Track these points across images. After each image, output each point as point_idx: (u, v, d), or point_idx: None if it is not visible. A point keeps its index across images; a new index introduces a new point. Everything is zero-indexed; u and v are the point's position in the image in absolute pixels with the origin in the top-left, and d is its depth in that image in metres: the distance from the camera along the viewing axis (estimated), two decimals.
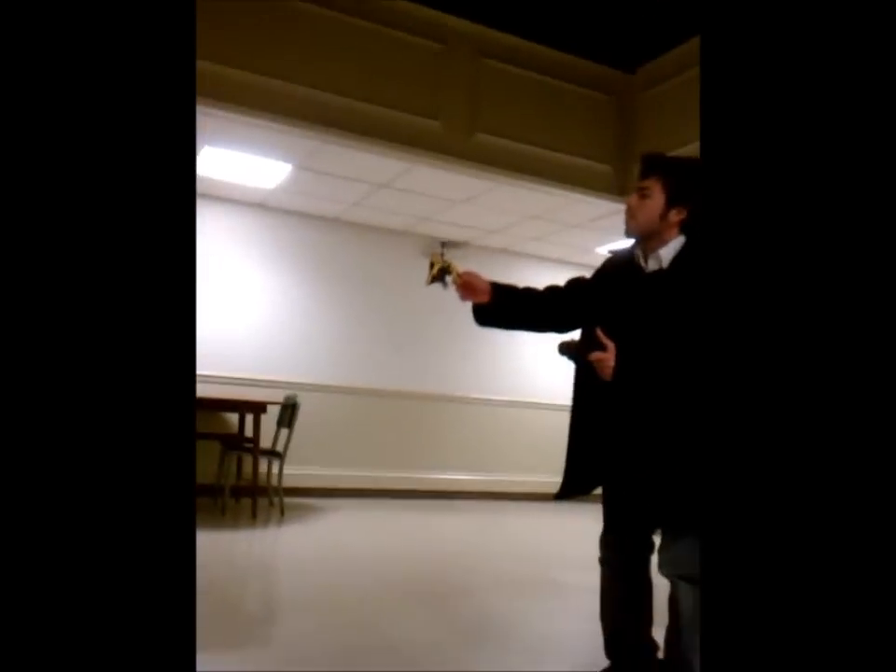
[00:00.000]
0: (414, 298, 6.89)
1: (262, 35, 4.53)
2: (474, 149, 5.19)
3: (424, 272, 2.34)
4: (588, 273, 2.30)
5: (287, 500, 5.61)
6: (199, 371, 5.80)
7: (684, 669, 1.95)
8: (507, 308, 2.23)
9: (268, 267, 6.54)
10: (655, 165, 2.04)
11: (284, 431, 5.54)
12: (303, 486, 6.25)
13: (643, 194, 2.03)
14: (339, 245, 6.80)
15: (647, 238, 2.05)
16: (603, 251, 6.78)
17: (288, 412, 5.54)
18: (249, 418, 5.54)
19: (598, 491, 2.22)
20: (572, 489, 2.18)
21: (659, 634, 2.18)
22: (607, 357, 1.95)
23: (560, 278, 2.34)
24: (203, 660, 1.23)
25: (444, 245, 7.07)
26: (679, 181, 1.98)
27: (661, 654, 2.18)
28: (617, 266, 2.19)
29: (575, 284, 2.27)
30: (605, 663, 2.22)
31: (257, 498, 5.23)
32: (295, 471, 5.95)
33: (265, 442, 5.48)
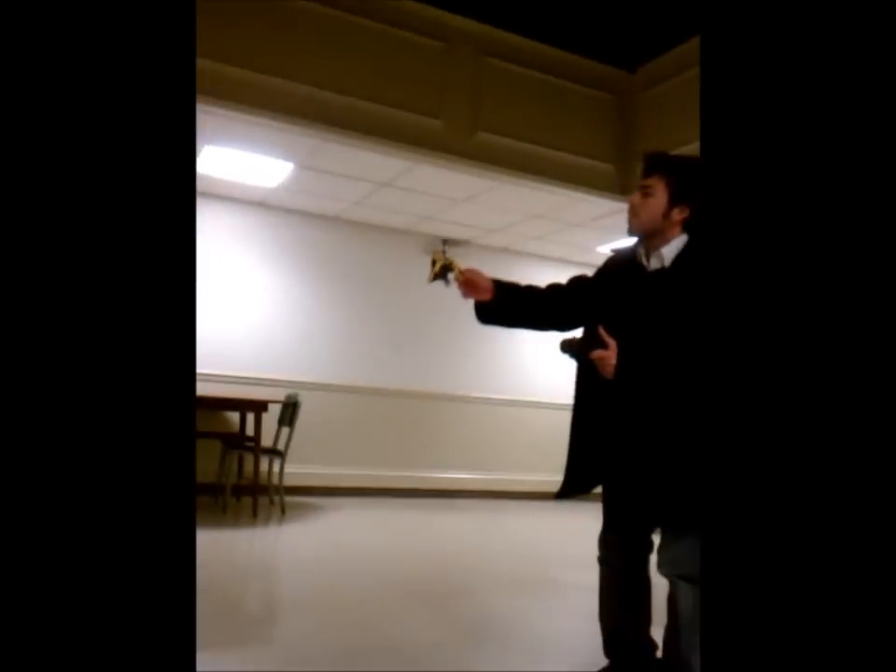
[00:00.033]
0: (416, 297, 6.89)
1: (264, 34, 4.53)
2: (476, 148, 5.19)
3: (425, 271, 2.33)
4: (590, 272, 2.30)
5: (288, 499, 5.62)
6: (200, 370, 5.80)
7: (683, 669, 1.95)
8: (509, 306, 2.22)
9: (269, 266, 6.54)
10: (658, 164, 2.04)
11: (285, 430, 5.55)
12: (304, 485, 6.26)
13: (646, 193, 2.03)
14: (340, 244, 6.80)
15: (649, 236, 2.05)
16: (604, 250, 6.77)
17: (290, 410, 5.54)
18: (250, 417, 5.54)
19: (598, 490, 2.22)
20: (573, 488, 2.18)
21: (658, 633, 2.18)
22: (608, 356, 1.95)
23: (561, 277, 2.33)
24: (203, 659, 1.23)
25: (446, 242, 7.07)
26: (682, 180, 1.98)
27: (660, 654, 2.18)
28: (619, 265, 2.19)
29: (577, 282, 2.27)
30: (604, 662, 2.22)
31: (258, 497, 5.24)
32: (296, 470, 5.96)
33: (266, 441, 5.49)
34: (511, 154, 5.28)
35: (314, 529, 5.04)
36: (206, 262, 6.16)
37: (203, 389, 5.46)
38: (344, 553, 4.28)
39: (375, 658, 2.47)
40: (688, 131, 4.50)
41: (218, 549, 4.17)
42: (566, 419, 2.26)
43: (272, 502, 5.62)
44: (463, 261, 2.25)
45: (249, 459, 5.47)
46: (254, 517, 5.13)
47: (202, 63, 4.23)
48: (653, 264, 2.05)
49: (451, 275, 2.22)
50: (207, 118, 4.50)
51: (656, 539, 2.09)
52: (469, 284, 2.18)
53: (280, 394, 5.87)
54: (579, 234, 6.76)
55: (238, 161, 5.38)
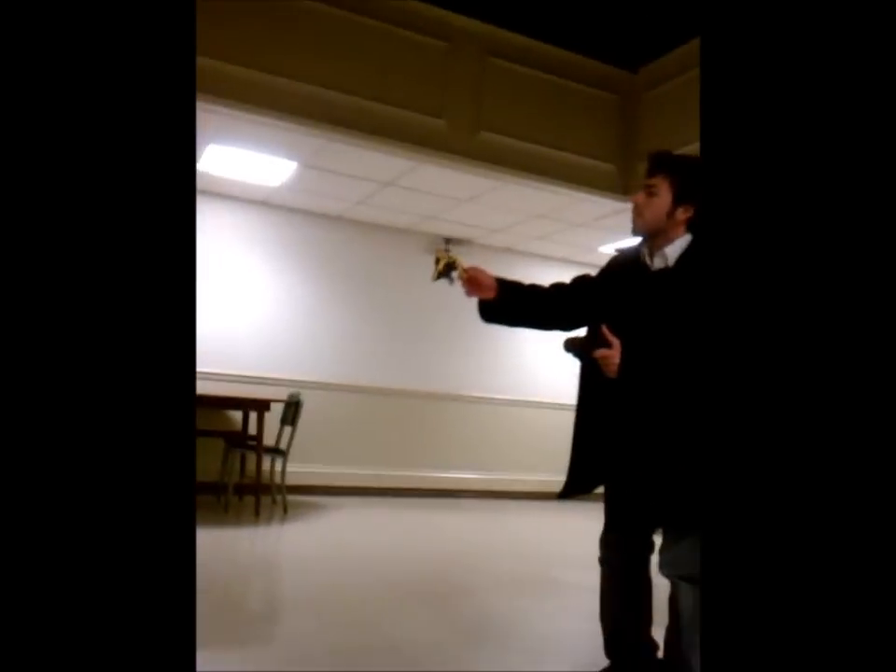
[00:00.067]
0: (418, 297, 6.89)
1: (268, 33, 4.53)
2: (479, 148, 5.19)
3: (427, 270, 2.33)
4: (592, 272, 2.30)
5: (290, 498, 5.62)
6: (203, 369, 5.83)
7: (684, 669, 1.95)
8: (513, 305, 2.22)
9: (272, 265, 6.55)
10: (662, 163, 2.04)
11: (287, 429, 5.55)
12: (306, 484, 6.27)
13: (650, 192, 2.03)
14: (343, 244, 6.80)
15: (653, 236, 2.05)
16: (607, 250, 6.77)
17: (292, 409, 5.55)
18: (253, 416, 5.54)
19: (601, 490, 2.22)
20: (576, 487, 2.17)
21: (659, 634, 2.18)
22: (612, 355, 1.95)
23: (564, 277, 2.33)
24: (204, 658, 1.24)
25: (449, 241, 7.07)
26: (686, 179, 1.98)
27: (660, 654, 2.18)
28: (623, 264, 2.19)
29: (580, 281, 2.27)
30: (605, 662, 2.22)
31: (260, 496, 5.24)
32: (298, 469, 5.96)
33: (269, 440, 5.49)
34: (513, 154, 5.28)
35: (315, 528, 5.05)
36: (210, 261, 6.17)
37: (205, 388, 5.49)
38: (346, 553, 4.29)
39: (376, 658, 2.47)
40: (690, 131, 4.49)
41: (220, 548, 4.18)
42: (567, 419, 2.26)
43: (274, 501, 5.62)
44: (466, 261, 2.25)
45: (252, 458, 5.48)
46: (256, 516, 5.13)
47: (206, 62, 4.25)
48: (657, 264, 2.05)
49: (455, 273, 2.21)
50: (211, 116, 4.51)
51: (658, 539, 2.09)
52: (472, 282, 2.18)
53: (282, 393, 5.88)
54: (581, 234, 6.76)
55: (241, 160, 5.38)
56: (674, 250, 2.02)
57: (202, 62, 4.21)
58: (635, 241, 2.20)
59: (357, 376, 6.76)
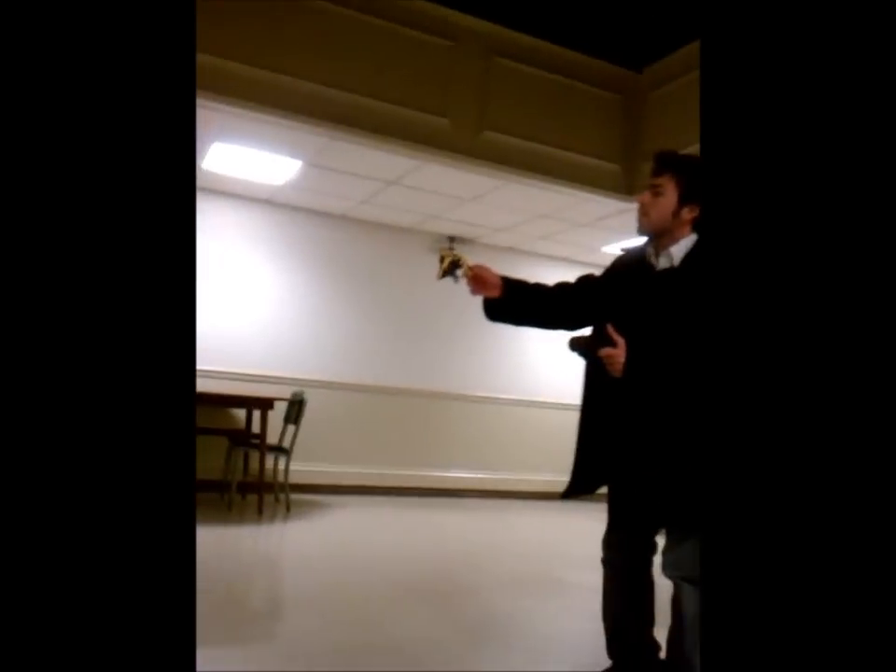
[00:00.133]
0: (421, 296, 6.90)
1: (272, 32, 4.53)
2: (483, 147, 5.19)
3: (431, 269, 2.33)
4: (596, 272, 2.30)
5: (293, 497, 5.63)
6: (206, 367, 5.85)
7: (687, 670, 1.95)
8: (518, 303, 2.22)
9: (276, 263, 6.56)
10: (668, 163, 2.04)
11: (291, 427, 5.56)
12: (309, 483, 6.27)
13: (656, 192, 2.03)
14: (347, 243, 6.81)
15: (659, 235, 2.05)
16: (610, 250, 6.77)
17: (295, 408, 5.56)
18: (256, 414, 5.55)
19: (604, 490, 2.22)
20: (580, 487, 2.17)
21: (661, 634, 2.18)
22: (617, 354, 1.94)
23: (567, 277, 2.33)
24: (206, 655, 1.24)
25: (453, 240, 7.07)
26: (692, 179, 1.98)
27: (663, 655, 2.19)
28: (627, 264, 2.19)
29: (585, 281, 2.27)
30: (607, 663, 2.22)
31: (263, 494, 5.26)
32: (301, 468, 5.97)
33: (272, 438, 5.50)
34: (517, 153, 5.27)
35: (318, 527, 5.05)
36: (214, 260, 6.19)
37: (209, 386, 5.50)
38: (349, 551, 4.29)
39: (378, 657, 2.48)
40: (695, 131, 4.45)
41: (224, 545, 4.19)
42: (571, 419, 2.26)
43: (277, 500, 5.63)
44: (470, 259, 2.24)
45: (255, 456, 5.49)
46: (259, 514, 5.14)
47: (210, 60, 4.26)
48: (662, 263, 2.05)
49: (459, 271, 2.20)
50: (215, 114, 4.52)
51: (660, 540, 2.09)
52: (477, 280, 2.17)
53: (286, 391, 5.89)
54: (584, 234, 6.75)
55: (245, 159, 5.39)
56: (679, 250, 2.02)
57: (206, 59, 4.22)
58: (638, 241, 2.20)
59: (361, 375, 6.76)
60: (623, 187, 5.63)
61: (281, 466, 5.53)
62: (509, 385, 7.44)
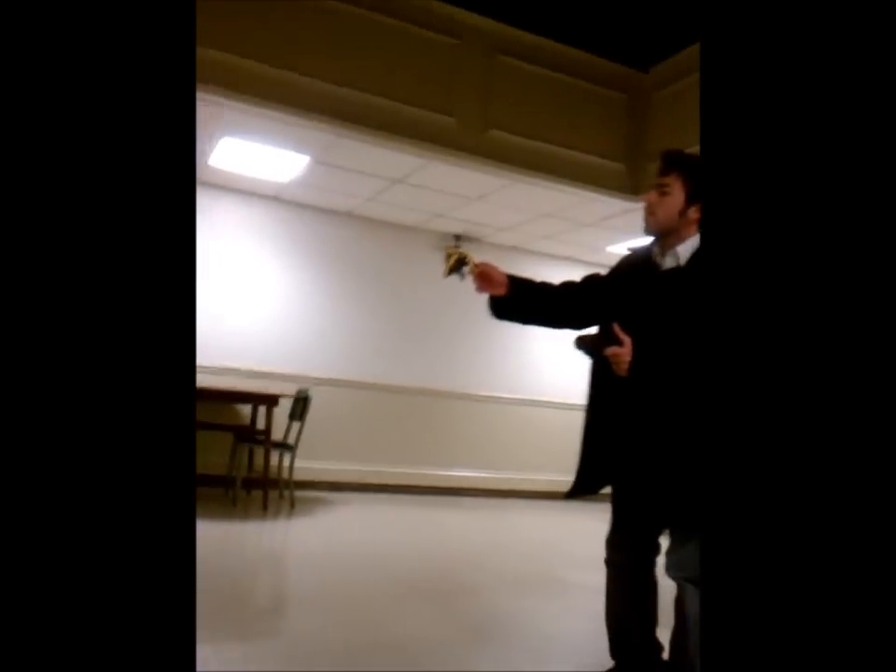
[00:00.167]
0: (426, 294, 6.90)
1: (281, 29, 4.54)
2: (488, 146, 5.19)
3: (436, 268, 2.33)
4: (601, 272, 2.30)
5: (298, 493, 5.65)
6: (212, 363, 5.87)
7: (689, 671, 1.95)
8: (523, 301, 2.22)
9: (282, 260, 6.56)
10: (675, 162, 2.04)
11: (295, 424, 5.57)
12: (314, 479, 6.28)
13: (663, 191, 2.03)
14: (352, 240, 6.81)
15: (665, 235, 2.05)
16: (614, 250, 6.76)
17: (300, 405, 5.57)
18: (262, 410, 5.57)
19: (608, 491, 2.22)
20: (585, 486, 2.17)
21: (664, 635, 2.18)
22: (623, 353, 1.94)
23: (571, 277, 2.33)
24: (207, 651, 1.24)
25: (458, 238, 7.07)
26: (699, 178, 1.97)
27: (665, 656, 2.19)
28: (633, 264, 2.19)
29: (591, 280, 2.27)
30: (610, 663, 2.22)
31: (267, 490, 5.27)
32: (306, 464, 5.98)
33: (277, 435, 5.52)
34: (522, 152, 5.27)
35: (322, 524, 5.07)
36: (220, 256, 6.20)
37: (214, 382, 5.52)
38: (352, 549, 4.30)
39: (380, 656, 2.48)
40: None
41: (227, 541, 4.21)
42: (574, 419, 2.26)
43: (281, 496, 5.64)
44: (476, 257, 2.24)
45: (259, 453, 5.51)
46: (264, 510, 5.16)
47: (219, 56, 4.28)
48: (669, 263, 2.05)
49: (466, 269, 2.20)
50: (224, 110, 4.53)
51: (664, 541, 2.09)
52: (483, 277, 2.18)
53: (291, 388, 5.90)
54: (588, 234, 6.75)
55: (253, 155, 5.39)
56: (686, 249, 2.02)
57: (215, 55, 4.24)
58: (643, 241, 2.20)
59: (366, 373, 6.77)
60: (627, 186, 5.62)
61: (286, 462, 5.54)
62: (512, 385, 7.44)
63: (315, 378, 6.39)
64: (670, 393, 1.94)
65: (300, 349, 6.53)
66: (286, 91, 4.54)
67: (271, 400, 5.34)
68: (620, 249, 6.50)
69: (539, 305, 2.26)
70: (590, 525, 3.19)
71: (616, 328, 1.97)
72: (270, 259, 6.51)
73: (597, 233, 6.67)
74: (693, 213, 2.00)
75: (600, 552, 2.25)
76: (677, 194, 2.00)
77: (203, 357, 5.77)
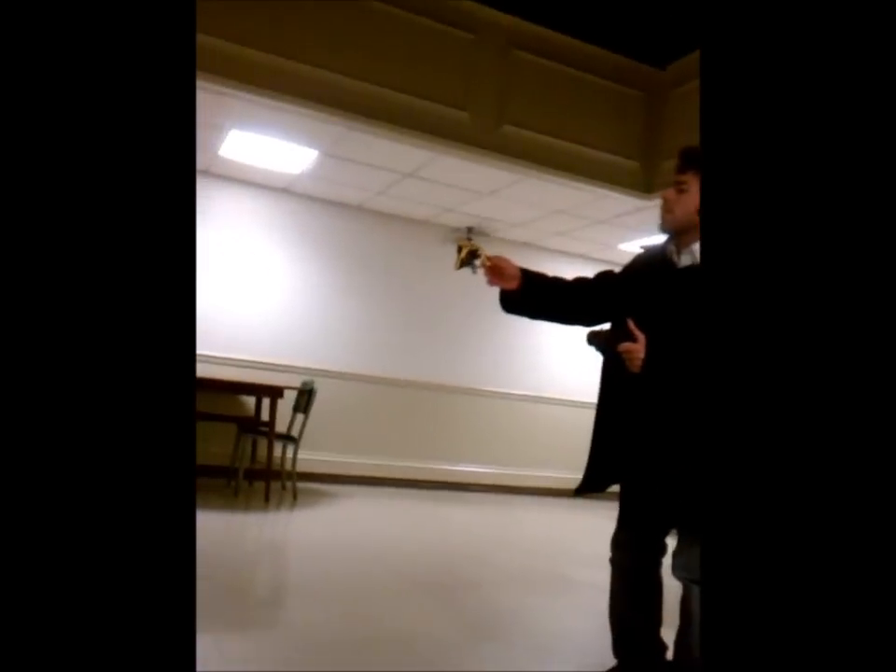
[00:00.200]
0: (434, 289, 6.88)
1: (293, 21, 4.52)
2: (501, 141, 5.15)
3: (445, 262, 2.31)
4: (613, 269, 2.27)
5: (301, 485, 5.64)
6: (217, 353, 5.86)
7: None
8: (535, 296, 2.18)
9: (290, 252, 6.56)
10: (694, 159, 2.00)
11: (299, 416, 5.57)
12: (317, 472, 6.28)
13: (680, 189, 2.00)
14: (361, 233, 6.80)
15: (681, 233, 2.02)
16: (627, 248, 6.72)
17: (305, 397, 5.56)
18: (266, 402, 5.56)
19: (615, 489, 2.20)
20: (594, 483, 2.15)
21: (669, 635, 2.16)
22: (637, 349, 1.92)
23: (583, 274, 2.30)
24: (207, 641, 1.23)
25: (471, 230, 7.03)
26: None
27: (670, 656, 2.17)
28: (647, 262, 2.17)
29: (604, 276, 2.25)
30: (613, 662, 2.20)
31: (270, 482, 5.26)
32: (309, 457, 5.97)
33: (281, 427, 5.50)
34: (536, 148, 5.24)
35: (324, 516, 5.06)
36: (228, 247, 6.20)
37: (219, 372, 5.51)
38: (354, 542, 4.29)
39: (381, 652, 2.46)
40: None
41: (229, 532, 4.20)
42: (581, 416, 2.24)
43: (284, 487, 5.64)
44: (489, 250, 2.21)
45: (263, 444, 5.50)
46: (266, 502, 5.15)
47: (230, 47, 4.26)
48: (685, 261, 2.03)
49: (477, 262, 2.16)
50: (234, 101, 4.51)
51: (670, 542, 2.06)
52: (495, 270, 2.13)
53: (296, 380, 5.89)
54: (601, 231, 6.71)
55: (263, 147, 5.38)
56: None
57: (225, 46, 4.22)
58: (656, 239, 2.17)
59: (371, 366, 6.76)
60: (641, 184, 5.58)
61: (289, 454, 5.53)
62: (519, 381, 7.42)
63: (321, 370, 6.39)
64: (683, 392, 1.91)
65: (306, 341, 6.52)
66: (297, 83, 4.52)
67: (275, 392, 5.32)
68: (632, 247, 6.46)
69: (551, 300, 2.23)
70: (595, 523, 3.17)
71: (630, 324, 1.94)
72: (279, 250, 6.51)
73: (610, 231, 6.64)
74: None
75: (606, 550, 2.22)
76: (694, 192, 1.98)
77: (209, 347, 5.77)
